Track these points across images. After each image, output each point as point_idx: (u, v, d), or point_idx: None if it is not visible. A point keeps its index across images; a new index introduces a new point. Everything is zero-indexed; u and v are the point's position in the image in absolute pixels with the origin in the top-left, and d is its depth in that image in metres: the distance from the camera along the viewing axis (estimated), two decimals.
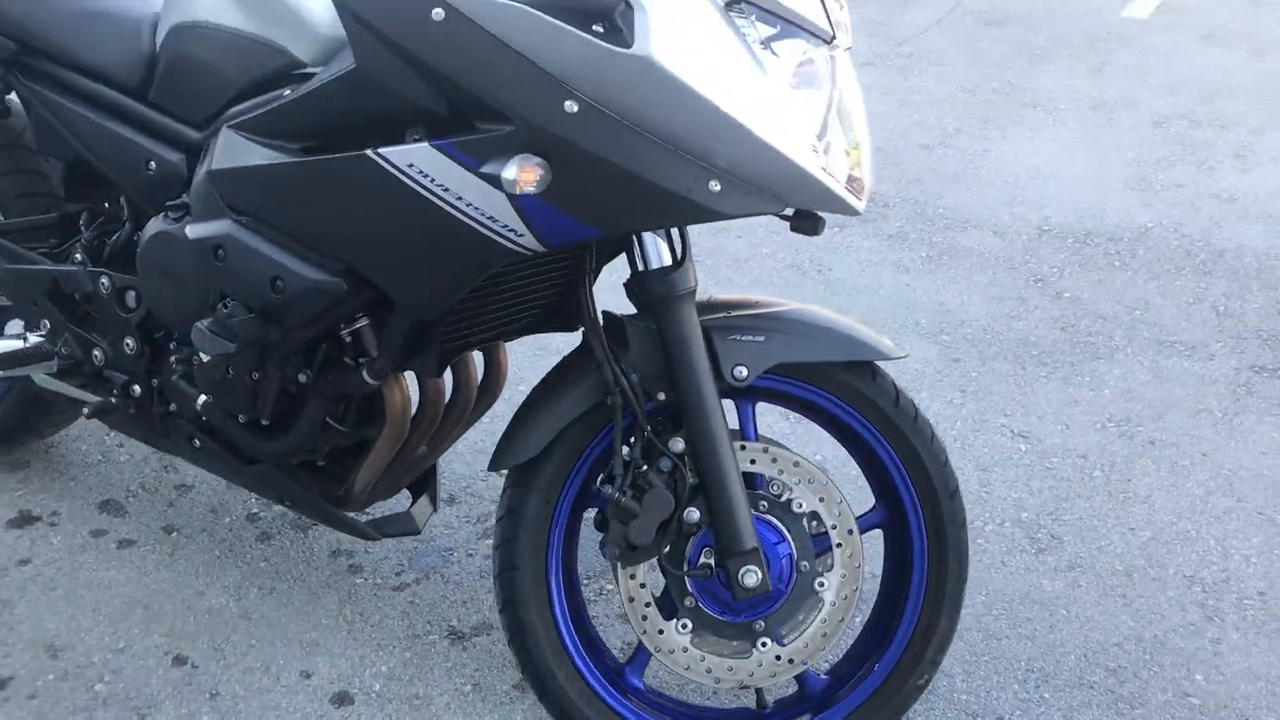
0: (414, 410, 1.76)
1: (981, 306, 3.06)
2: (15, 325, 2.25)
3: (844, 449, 1.73)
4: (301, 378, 1.71)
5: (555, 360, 1.67)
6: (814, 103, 1.41)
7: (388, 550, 2.14)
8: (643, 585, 1.61)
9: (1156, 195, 3.75)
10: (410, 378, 1.73)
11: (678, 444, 1.56)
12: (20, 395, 2.19)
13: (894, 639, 1.68)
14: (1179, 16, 5.70)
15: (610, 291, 1.68)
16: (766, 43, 1.38)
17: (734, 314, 1.58)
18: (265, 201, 1.56)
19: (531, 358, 2.59)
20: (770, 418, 2.33)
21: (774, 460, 1.61)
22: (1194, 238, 3.46)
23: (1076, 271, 3.26)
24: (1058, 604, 2.07)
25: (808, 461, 1.62)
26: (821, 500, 1.61)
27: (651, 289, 1.52)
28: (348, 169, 1.46)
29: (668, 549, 1.58)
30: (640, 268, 1.55)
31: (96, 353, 1.91)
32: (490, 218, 1.41)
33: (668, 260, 1.53)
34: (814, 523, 1.62)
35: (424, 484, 1.95)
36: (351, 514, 1.83)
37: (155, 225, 1.74)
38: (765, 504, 1.61)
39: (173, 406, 1.86)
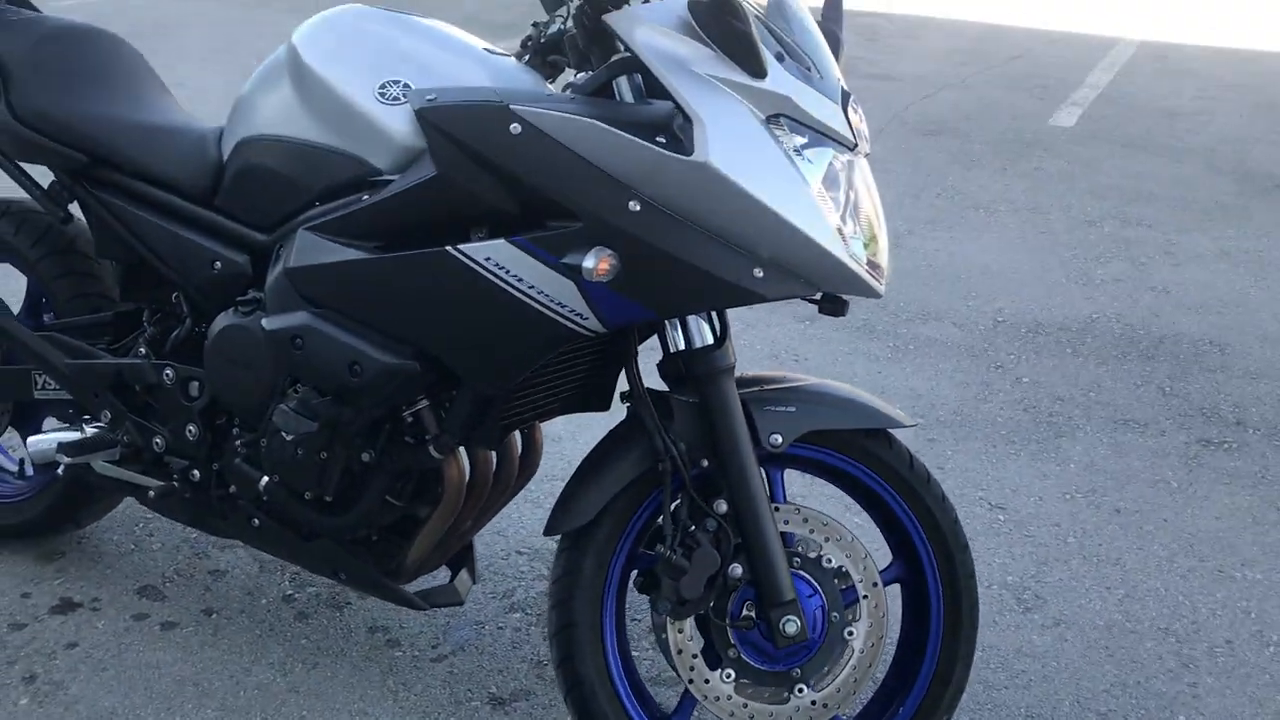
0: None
1: (950, 391, 3.29)
2: (51, 421, 2.37)
3: (861, 509, 1.90)
4: (365, 456, 1.85)
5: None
6: (839, 200, 1.62)
7: (421, 625, 2.26)
8: (691, 638, 1.76)
9: (1097, 289, 4.05)
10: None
11: (721, 506, 1.73)
12: (66, 486, 2.29)
13: (916, 683, 1.84)
14: (1100, 126, 6.15)
15: None
16: (800, 150, 1.59)
17: (767, 388, 1.77)
18: (343, 294, 1.73)
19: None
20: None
21: (805, 520, 1.78)
22: (1135, 326, 3.75)
23: (1033, 358, 3.51)
24: (1048, 657, 2.25)
25: (835, 521, 1.79)
26: (848, 556, 1.79)
27: (696, 365, 1.71)
28: (428, 264, 1.63)
29: (713, 603, 1.74)
30: (672, 349, 1.74)
31: (157, 440, 2.04)
32: (559, 303, 1.59)
33: (709, 339, 1.72)
34: (842, 577, 1.79)
35: (462, 558, 2.09)
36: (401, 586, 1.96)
37: (225, 319, 1.89)
38: (798, 560, 1.77)
39: (232, 489, 1.99)
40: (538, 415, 1.91)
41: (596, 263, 1.52)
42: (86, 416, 2.14)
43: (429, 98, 1.62)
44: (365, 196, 1.72)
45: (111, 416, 2.08)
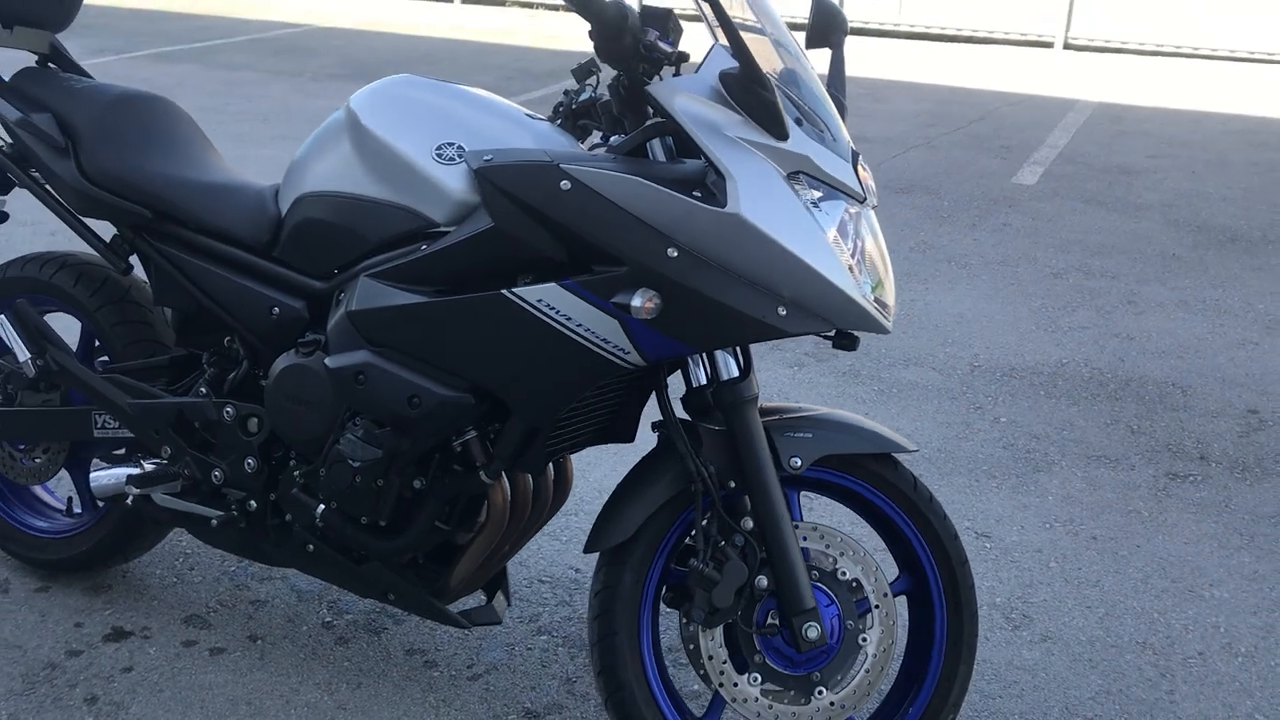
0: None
1: (933, 430, 3.50)
2: (97, 462, 2.52)
3: (868, 526, 2.09)
4: (416, 484, 2.02)
5: None
6: (850, 246, 1.83)
7: (455, 647, 2.41)
8: (721, 645, 1.93)
9: (1066, 335, 4.29)
10: None
11: (748, 523, 1.91)
12: (119, 519, 2.43)
13: (924, 686, 2.01)
14: (1061, 184, 6.45)
15: None
16: (816, 203, 1.79)
17: (785, 416, 1.96)
18: (404, 334, 1.91)
19: None
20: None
21: (821, 536, 1.97)
22: (1103, 370, 3.99)
23: (1009, 400, 3.73)
24: (1037, 669, 2.43)
25: (848, 537, 1.98)
26: (861, 569, 1.97)
27: (724, 396, 1.90)
28: (485, 306, 1.82)
29: (740, 612, 1.91)
30: (694, 384, 1.93)
31: (216, 473, 2.20)
32: (604, 339, 1.78)
33: (735, 372, 1.91)
34: (855, 589, 1.97)
35: (496, 582, 2.26)
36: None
37: (286, 359, 2.07)
38: (816, 573, 1.96)
39: (288, 517, 2.15)
40: (573, 445, 2.09)
41: (643, 302, 1.71)
42: (140, 454, 2.29)
43: (486, 158, 1.82)
44: (424, 246, 1.91)
45: (171, 452, 2.24)
